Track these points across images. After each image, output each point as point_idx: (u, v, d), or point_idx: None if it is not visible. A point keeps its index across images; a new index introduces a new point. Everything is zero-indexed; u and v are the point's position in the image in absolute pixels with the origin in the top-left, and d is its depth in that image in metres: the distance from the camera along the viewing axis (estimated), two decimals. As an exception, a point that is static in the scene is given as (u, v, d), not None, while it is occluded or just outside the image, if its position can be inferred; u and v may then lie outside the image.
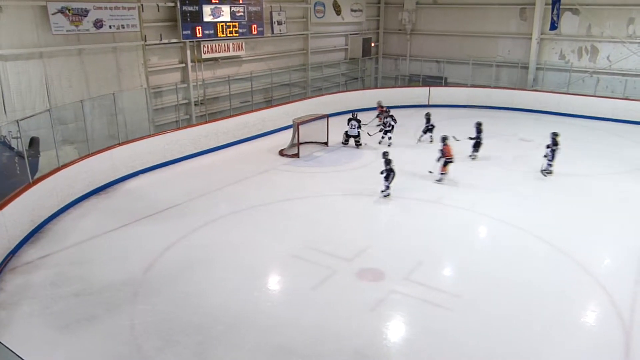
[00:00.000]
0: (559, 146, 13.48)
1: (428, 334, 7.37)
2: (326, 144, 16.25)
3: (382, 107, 18.28)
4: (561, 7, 20.88)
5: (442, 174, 12.89)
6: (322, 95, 20.90)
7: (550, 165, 13.56)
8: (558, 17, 21.04)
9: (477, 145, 14.73)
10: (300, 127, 15.53)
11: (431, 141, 15.57)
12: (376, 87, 24.73)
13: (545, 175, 13.40)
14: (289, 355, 6.94)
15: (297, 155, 15.06)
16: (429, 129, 16.40)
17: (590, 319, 7.77)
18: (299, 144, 15.37)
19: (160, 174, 13.84)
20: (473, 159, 14.69)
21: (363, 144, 15.92)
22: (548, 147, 13.53)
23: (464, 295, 8.21)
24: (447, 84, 23.48)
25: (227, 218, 11.01)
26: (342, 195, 12.30)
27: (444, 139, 13.11)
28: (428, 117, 15.51)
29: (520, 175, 13.65)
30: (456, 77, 23.35)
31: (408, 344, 7.22)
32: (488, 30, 22.95)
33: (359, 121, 15.94)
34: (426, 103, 22.30)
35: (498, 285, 8.54)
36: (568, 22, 21.18)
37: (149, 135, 14.37)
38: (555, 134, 13.62)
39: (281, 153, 15.52)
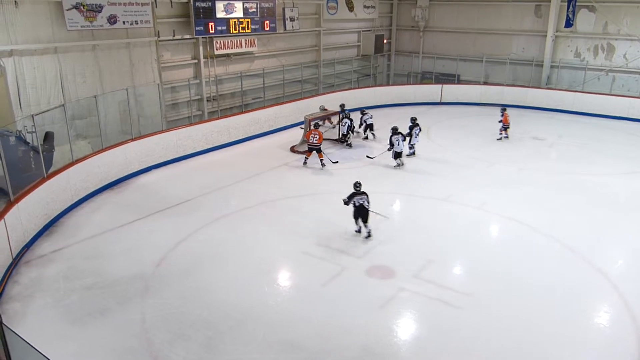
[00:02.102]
0: (418, 128, 14.41)
1: (437, 332, 7.33)
2: (338, 140, 16.22)
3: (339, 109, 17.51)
4: (577, 4, 20.57)
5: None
6: (334, 91, 20.87)
7: (411, 147, 14.57)
8: (574, 14, 20.74)
9: (409, 141, 14.54)
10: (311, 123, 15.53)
11: (412, 152, 14.84)
12: (388, 84, 24.65)
13: (407, 156, 14.41)
14: (298, 351, 6.95)
15: (308, 153, 15.08)
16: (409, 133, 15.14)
17: (602, 320, 7.67)
18: (304, 142, 15.34)
19: (172, 170, 13.91)
20: (407, 155, 14.50)
21: (351, 143, 15.83)
22: (410, 130, 14.40)
23: (474, 294, 8.15)
24: (460, 82, 23.29)
25: (237, 214, 11.06)
26: (345, 192, 12.25)
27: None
28: (413, 122, 14.99)
29: (533, 173, 13.51)
30: (469, 75, 23.15)
31: (417, 342, 7.19)
32: (502, 27, 22.70)
33: (351, 120, 15.90)
34: (438, 100, 22.16)
35: (509, 284, 8.46)
36: (584, 20, 20.86)
37: (162, 131, 14.45)
38: (414, 119, 14.62)
39: (292, 149, 15.52)
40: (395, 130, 13.80)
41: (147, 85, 15.06)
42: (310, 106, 18.38)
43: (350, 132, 15.82)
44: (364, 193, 9.59)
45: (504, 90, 21.66)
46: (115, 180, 12.72)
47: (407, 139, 14.50)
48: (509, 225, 10.62)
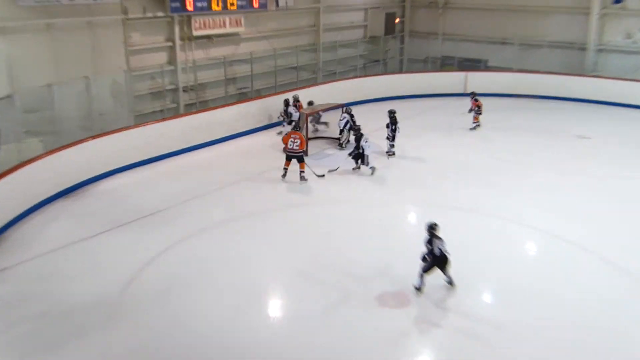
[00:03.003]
0: (398, 125, 14.59)
1: (463, 374, 7.28)
2: (339, 140, 16.17)
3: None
4: (629, -25, 20.66)
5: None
6: (335, 80, 20.85)
7: (392, 146, 14.75)
8: (624, -13, 20.82)
9: (392, 138, 14.71)
10: (309, 119, 15.48)
11: (392, 152, 14.86)
12: (401, 72, 24.67)
13: (388, 158, 14.61)
14: (294, 395, 6.88)
15: (305, 153, 15.02)
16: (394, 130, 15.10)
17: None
18: (308, 139, 15.33)
19: (141, 173, 13.87)
20: (390, 155, 14.73)
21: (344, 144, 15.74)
22: (387, 126, 14.66)
23: (507, 326, 8.08)
24: (487, 69, 23.32)
25: (221, 227, 11.01)
26: (357, 201, 12.27)
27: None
28: (392, 116, 14.95)
29: (575, 179, 13.48)
30: (498, 61, 23.16)
31: (439, 385, 7.12)
32: (538, 3, 22.74)
33: (352, 116, 15.76)
34: (462, 91, 22.14)
35: (548, 313, 8.40)
36: (637, -6, 20.96)
37: (129, 127, 14.42)
38: (392, 112, 14.75)
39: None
40: (359, 131, 13.69)
41: (112, 73, 15.02)
42: (308, 97, 18.31)
43: (347, 131, 15.77)
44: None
45: (541, 78, 21.66)
46: (73, 186, 12.66)
47: (391, 135, 14.68)
48: (550, 242, 10.56)
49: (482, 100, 17.74)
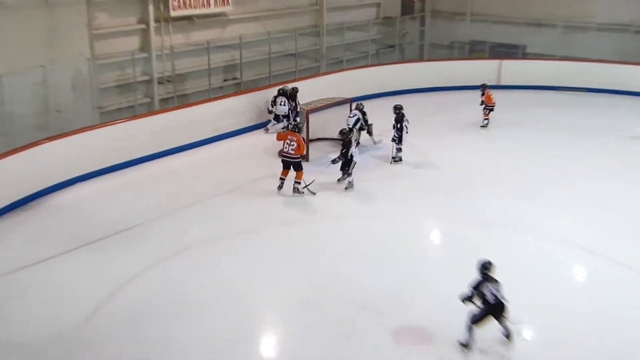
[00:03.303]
0: (406, 124, 14.60)
1: None
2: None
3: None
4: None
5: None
6: (342, 70, 20.96)
7: (399, 150, 14.93)
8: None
9: (399, 140, 14.90)
10: (310, 116, 15.58)
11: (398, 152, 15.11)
12: (422, 60, 24.77)
13: (391, 163, 14.88)
14: None
15: (305, 158, 15.10)
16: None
17: None
18: (309, 140, 15.41)
19: (107, 183, 13.95)
20: (396, 161, 15.04)
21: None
22: (393, 127, 14.75)
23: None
24: (525, 56, 23.41)
25: (203, 247, 11.06)
26: (366, 215, 12.33)
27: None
28: (398, 112, 15.05)
29: (630, 189, 13.57)
30: (539, 46, 23.24)
31: None
32: (585, -22, 22.87)
33: (364, 114, 15.92)
34: (495, 83, 22.21)
35: (599, 353, 8.42)
36: None
37: (93, 127, 14.51)
38: (397, 108, 14.84)
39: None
40: (346, 135, 13.57)
41: (73, 61, 15.12)
42: (309, 91, 18.42)
43: (357, 130, 15.80)
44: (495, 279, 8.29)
45: (589, 68, 21.74)
46: (25, 198, 12.72)
47: (397, 136, 14.82)
48: (597, 263, 10.61)
49: (519, 94, 17.84)
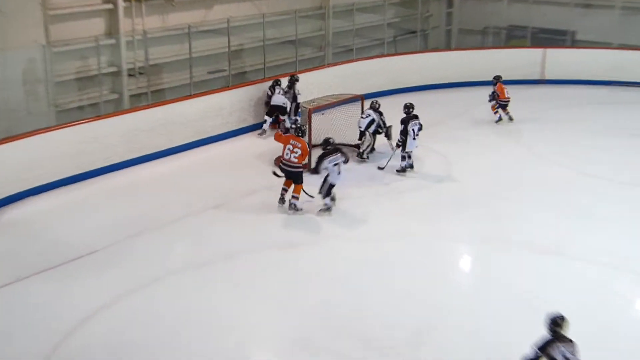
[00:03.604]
0: (413, 127, 14.67)
1: None
2: (358, 147, 16.36)
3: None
4: None
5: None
6: (352, 61, 21.02)
7: (403, 158, 15.02)
8: None
9: (403, 146, 15.04)
10: (314, 116, 15.64)
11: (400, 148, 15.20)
12: (448, 49, 24.80)
13: (399, 173, 15.04)
14: None
15: (307, 166, 15.12)
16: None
17: None
18: (312, 146, 15.45)
19: (67, 196, 13.97)
20: (400, 171, 15.12)
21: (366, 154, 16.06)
22: (405, 126, 14.81)
23: None
24: (575, 44, 23.51)
25: (185, 273, 11.04)
26: (378, 237, 12.36)
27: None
28: (407, 112, 15.18)
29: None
30: (592, 32, 23.23)
31: None
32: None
33: (380, 114, 16.00)
34: (538, 77, 22.28)
35: None
36: None
37: (49, 128, 14.51)
38: (407, 107, 15.04)
39: (279, 161, 15.53)
40: (328, 144, 13.46)
41: (24, 48, 15.13)
42: (312, 85, 18.60)
43: (370, 134, 16.01)
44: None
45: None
46: (-34, 214, 12.81)
47: (400, 141, 14.90)
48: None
49: (566, 90, 17.86)
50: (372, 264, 11.39)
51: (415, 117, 14.93)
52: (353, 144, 16.39)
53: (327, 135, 16.29)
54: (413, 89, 20.55)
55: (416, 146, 14.95)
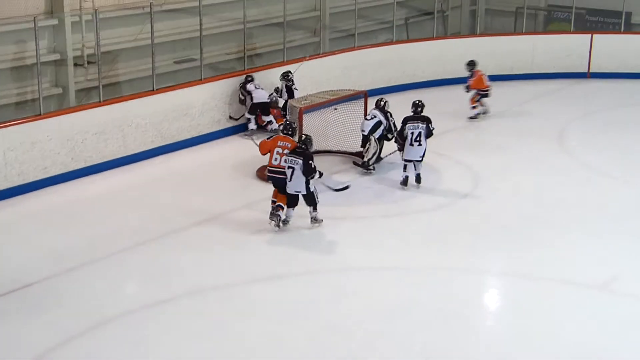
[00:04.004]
0: (413, 129, 14.82)
1: None
2: (361, 155, 16.25)
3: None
4: None
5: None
6: (353, 49, 21.07)
7: (405, 166, 15.15)
8: None
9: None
10: (306, 117, 15.62)
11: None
12: (473, 34, 24.78)
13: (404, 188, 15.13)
14: None
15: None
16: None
17: None
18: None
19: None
20: (402, 184, 15.26)
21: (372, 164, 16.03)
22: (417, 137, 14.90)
23: None
24: (629, 29, 23.60)
25: (141, 313, 10.93)
26: (387, 266, 12.33)
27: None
28: (414, 109, 15.18)
29: None
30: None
31: None
32: None
33: (386, 114, 15.93)
34: (584, 70, 22.32)
35: None
36: None
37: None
38: (415, 104, 15.25)
39: (263, 174, 15.47)
40: (306, 141, 13.55)
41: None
42: (304, 78, 18.62)
43: (376, 140, 15.84)
44: None
45: None
46: None
47: (400, 145, 15.10)
48: None
49: (617, 85, 17.88)
50: (377, 306, 11.25)
51: (421, 118, 14.96)
52: (354, 151, 16.33)
53: (321, 141, 16.35)
54: (429, 84, 20.71)
55: (421, 156, 14.92)
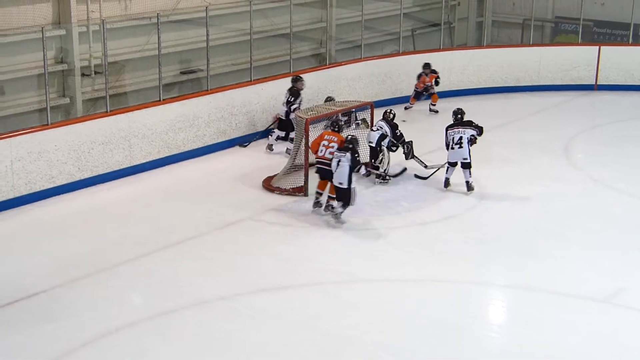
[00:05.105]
0: (452, 132, 15.36)
1: None
2: (367, 166, 16.21)
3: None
4: None
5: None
6: (359, 60, 21.04)
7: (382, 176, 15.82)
8: None
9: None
10: (312, 129, 15.60)
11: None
12: (480, 46, 24.71)
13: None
14: None
15: (302, 190, 15.09)
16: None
17: None
18: (309, 165, 15.44)
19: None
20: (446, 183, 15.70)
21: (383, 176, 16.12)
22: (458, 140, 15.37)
23: None
24: (638, 41, 23.49)
25: (148, 323, 10.93)
26: (395, 281, 12.31)
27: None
28: (456, 115, 15.67)
29: None
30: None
31: None
32: None
33: (392, 126, 16.12)
34: (591, 82, 22.27)
35: None
36: None
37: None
38: (456, 112, 15.91)
39: (268, 185, 15.61)
40: (353, 140, 14.31)
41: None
42: (312, 91, 18.64)
43: (384, 149, 15.89)
44: None
45: None
46: None
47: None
48: None
49: (625, 97, 17.82)
50: (380, 317, 11.21)
51: (462, 124, 15.45)
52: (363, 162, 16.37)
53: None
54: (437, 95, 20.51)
55: (464, 158, 15.24)
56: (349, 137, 14.33)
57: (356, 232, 13.90)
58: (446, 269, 12.67)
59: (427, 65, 19.78)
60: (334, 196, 14.00)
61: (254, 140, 17.89)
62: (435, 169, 15.75)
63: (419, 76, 19.56)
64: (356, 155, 13.90)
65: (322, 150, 14.22)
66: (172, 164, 16.73)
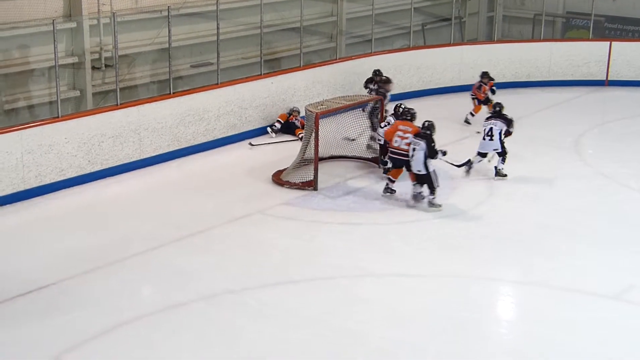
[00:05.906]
0: (486, 124, 15.83)
1: None
2: (378, 161, 16.31)
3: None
4: None
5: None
6: (369, 55, 21.04)
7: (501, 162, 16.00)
8: None
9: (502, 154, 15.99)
10: (322, 123, 15.62)
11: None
12: (490, 41, 24.67)
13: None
14: None
15: (312, 185, 15.11)
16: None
17: None
18: (319, 159, 15.48)
19: (12, 217, 14.02)
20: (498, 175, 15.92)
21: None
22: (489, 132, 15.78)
23: None
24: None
25: (156, 318, 10.93)
26: (402, 276, 12.29)
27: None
28: (497, 109, 16.01)
29: None
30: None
31: None
32: None
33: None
34: (602, 77, 22.23)
35: None
36: None
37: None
38: (494, 106, 16.50)
39: (277, 179, 15.63)
40: (430, 127, 14.64)
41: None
42: (321, 85, 18.71)
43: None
44: None
45: None
46: None
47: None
48: None
49: (638, 96, 17.72)
50: (391, 312, 11.21)
51: (497, 116, 15.87)
52: (370, 157, 16.35)
53: (338, 146, 16.36)
54: (446, 90, 20.64)
55: (494, 149, 15.67)
56: (426, 123, 14.65)
57: (366, 227, 13.91)
58: (456, 265, 12.63)
59: (485, 74, 19.54)
60: (416, 182, 14.51)
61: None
62: (468, 166, 15.84)
63: (479, 86, 19.26)
64: (432, 143, 14.22)
65: (397, 141, 14.49)
66: (182, 158, 16.76)
